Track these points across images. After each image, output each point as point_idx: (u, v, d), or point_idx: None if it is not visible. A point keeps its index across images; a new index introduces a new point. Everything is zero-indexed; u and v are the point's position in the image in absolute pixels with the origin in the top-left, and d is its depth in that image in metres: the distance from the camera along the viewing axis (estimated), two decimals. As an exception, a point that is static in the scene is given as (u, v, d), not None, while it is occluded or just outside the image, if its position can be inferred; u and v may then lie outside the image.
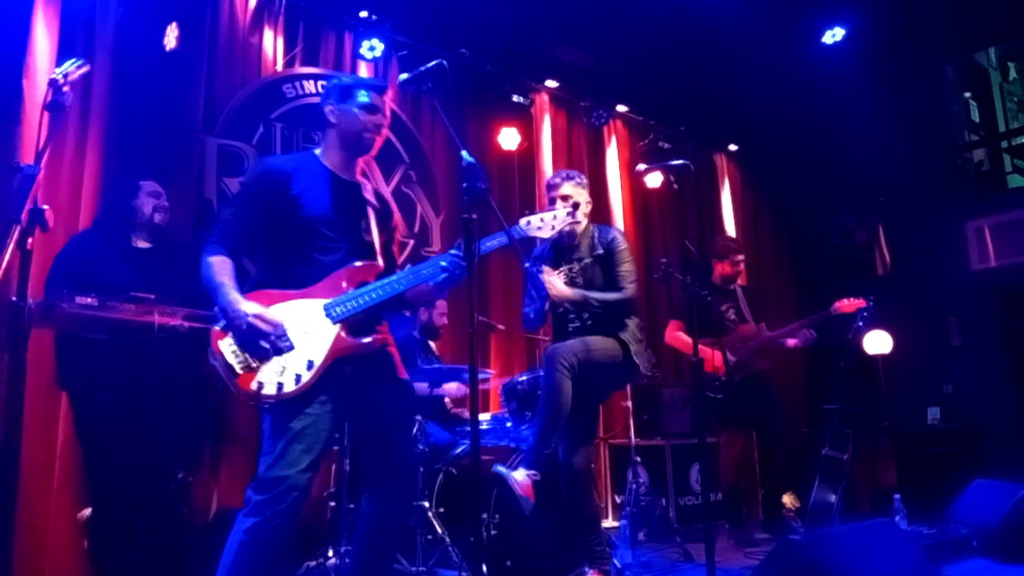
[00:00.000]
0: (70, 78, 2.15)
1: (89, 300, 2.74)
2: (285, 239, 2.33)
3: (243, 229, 2.34)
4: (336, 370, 2.25)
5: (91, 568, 3.10)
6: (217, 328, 2.20)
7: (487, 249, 2.45)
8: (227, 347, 2.16)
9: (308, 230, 2.32)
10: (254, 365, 2.16)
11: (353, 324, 2.28)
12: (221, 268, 2.24)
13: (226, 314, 2.17)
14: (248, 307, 2.16)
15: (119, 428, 2.94)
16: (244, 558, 2.12)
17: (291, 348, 2.20)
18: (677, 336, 4.70)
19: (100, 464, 3.03)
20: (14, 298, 2.01)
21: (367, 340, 2.30)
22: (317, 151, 2.49)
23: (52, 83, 2.13)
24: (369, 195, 2.49)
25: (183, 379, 3.18)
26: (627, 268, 3.31)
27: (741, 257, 4.87)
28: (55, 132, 2.16)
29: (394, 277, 2.35)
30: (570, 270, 3.32)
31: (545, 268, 3.27)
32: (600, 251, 3.31)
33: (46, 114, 2.12)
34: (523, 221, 2.53)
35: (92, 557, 3.07)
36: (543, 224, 2.53)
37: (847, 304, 4.55)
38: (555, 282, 3.20)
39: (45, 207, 2.05)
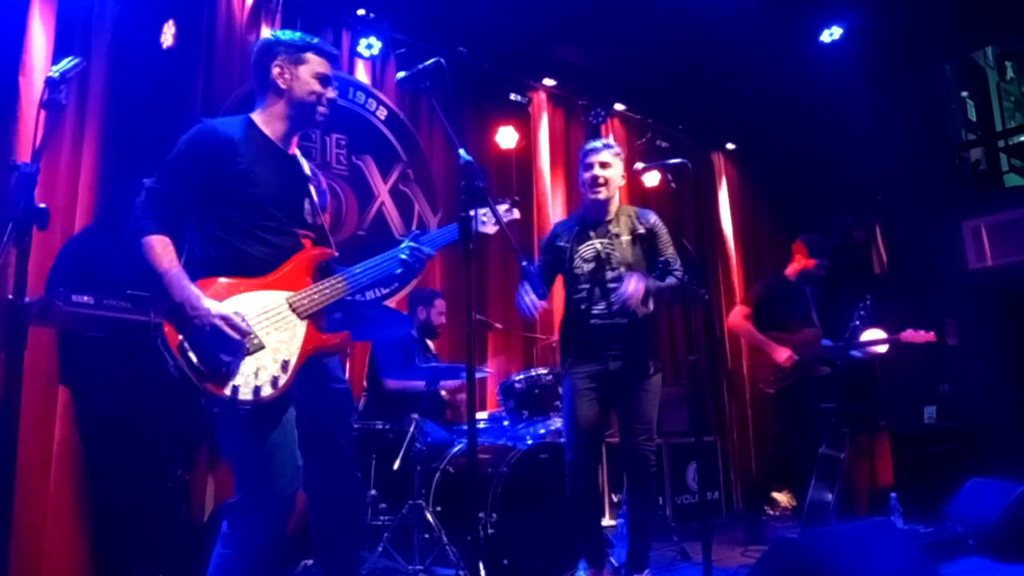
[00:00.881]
0: (67, 76, 2.14)
1: (85, 299, 2.74)
2: (230, 217, 2.09)
3: (181, 202, 2.08)
4: (302, 371, 2.08)
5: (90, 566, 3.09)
6: (170, 324, 1.94)
7: (447, 240, 2.36)
8: (190, 347, 1.92)
9: (258, 210, 2.10)
10: (223, 370, 1.92)
11: (319, 319, 2.14)
12: (163, 251, 1.99)
13: (184, 310, 1.92)
14: (211, 305, 1.93)
15: (119, 426, 2.95)
16: (239, 562, 2.01)
17: (262, 347, 1.99)
18: (742, 324, 4.66)
19: (100, 462, 3.03)
20: (11, 296, 2.01)
21: (337, 335, 2.18)
22: (255, 116, 2.22)
23: (49, 81, 2.12)
24: (308, 171, 2.30)
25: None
26: (674, 252, 3.24)
27: (826, 263, 4.73)
28: (52, 130, 2.16)
29: (357, 270, 2.23)
30: (602, 244, 3.20)
31: (626, 277, 3.07)
32: (642, 231, 3.21)
33: (43, 112, 2.11)
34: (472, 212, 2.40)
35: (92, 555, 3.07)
36: (487, 219, 2.50)
37: (916, 335, 4.46)
38: (632, 284, 2.98)
39: (42, 205, 2.05)
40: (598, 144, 3.31)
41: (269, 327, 2.03)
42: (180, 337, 1.92)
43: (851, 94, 6.32)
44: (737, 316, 4.72)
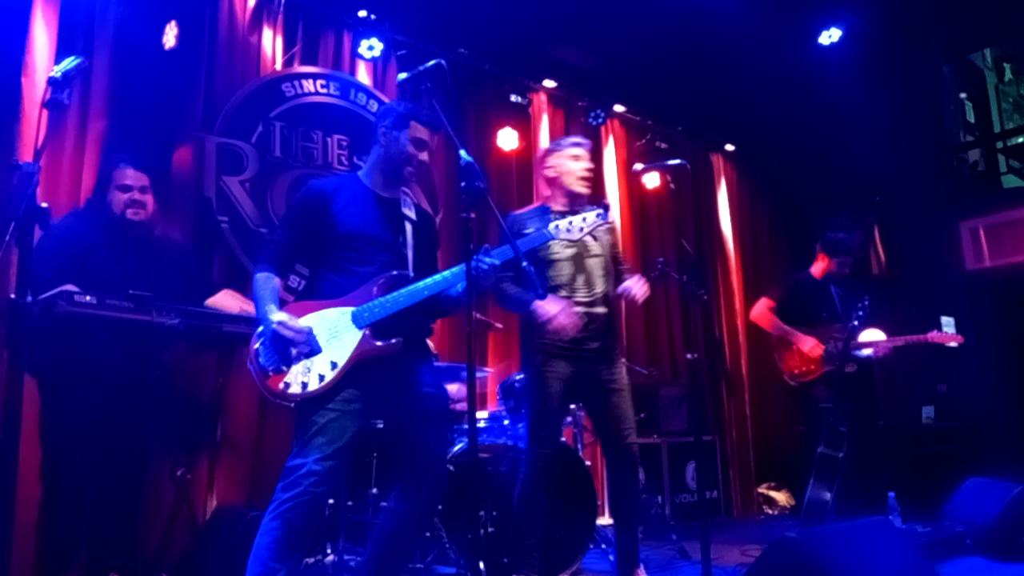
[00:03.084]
0: (69, 76, 2.16)
1: (88, 299, 2.74)
2: (326, 254, 2.51)
3: (289, 249, 2.56)
4: (366, 372, 2.38)
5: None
6: (255, 336, 2.40)
7: (502, 259, 2.46)
8: (261, 352, 2.37)
9: (346, 245, 2.48)
10: (284, 368, 2.34)
11: (380, 328, 2.41)
12: (264, 284, 2.45)
13: (260, 323, 2.38)
14: (276, 316, 2.35)
15: (119, 421, 2.94)
16: (267, 536, 2.25)
17: (318, 351, 2.36)
18: (765, 314, 4.70)
19: (102, 457, 2.99)
20: (13, 296, 2.02)
21: (389, 343, 2.41)
22: (361, 169, 2.68)
23: (51, 81, 2.14)
24: (408, 210, 2.64)
25: (182, 377, 3.19)
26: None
27: (850, 261, 4.76)
28: (54, 130, 2.18)
29: (420, 284, 2.44)
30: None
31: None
32: None
33: (45, 112, 2.14)
34: (551, 226, 2.60)
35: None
36: (572, 227, 2.59)
37: (942, 336, 4.52)
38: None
39: (44, 204, 2.06)
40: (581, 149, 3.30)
41: (329, 336, 2.40)
42: (256, 346, 2.38)
43: (850, 95, 6.33)
44: (761, 308, 4.74)
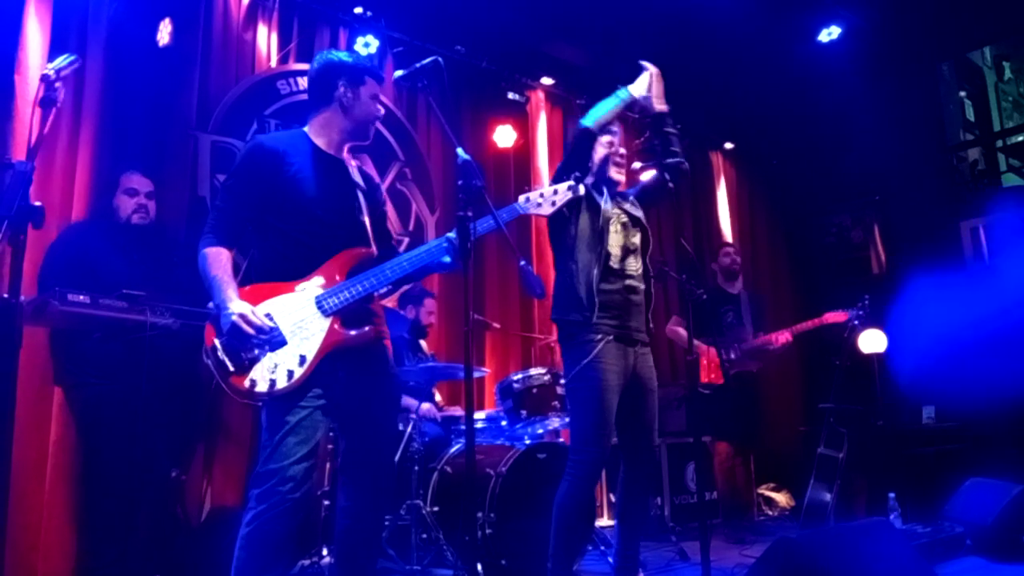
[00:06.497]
0: (62, 74, 2.14)
1: (81, 298, 2.73)
2: (279, 225, 2.26)
3: (238, 215, 2.28)
4: (329, 363, 2.21)
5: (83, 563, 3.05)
6: (211, 325, 2.16)
7: (482, 231, 2.32)
8: (219, 347, 2.13)
9: (304, 214, 2.25)
10: (247, 365, 2.13)
11: (346, 315, 2.24)
12: (216, 260, 2.20)
13: (219, 311, 2.14)
14: (235, 307, 2.12)
15: (113, 420, 2.93)
16: (247, 550, 2.12)
17: (283, 344, 2.16)
18: (676, 331, 4.97)
19: (96, 454, 3.00)
20: (5, 295, 2.00)
21: (361, 331, 2.27)
22: (307, 128, 2.40)
23: (44, 79, 2.12)
24: (355, 175, 2.43)
25: (177, 377, 3.17)
26: None
27: (730, 247, 5.15)
28: (47, 128, 2.15)
29: (387, 266, 2.29)
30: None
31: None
32: None
33: (38, 110, 2.11)
34: (522, 198, 2.44)
35: (85, 552, 3.03)
36: (543, 200, 2.44)
37: (836, 316, 4.75)
38: None
39: (38, 203, 2.04)
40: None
41: (294, 326, 2.19)
42: (214, 339, 2.14)
43: (849, 94, 6.31)
44: (673, 324, 5.01)
